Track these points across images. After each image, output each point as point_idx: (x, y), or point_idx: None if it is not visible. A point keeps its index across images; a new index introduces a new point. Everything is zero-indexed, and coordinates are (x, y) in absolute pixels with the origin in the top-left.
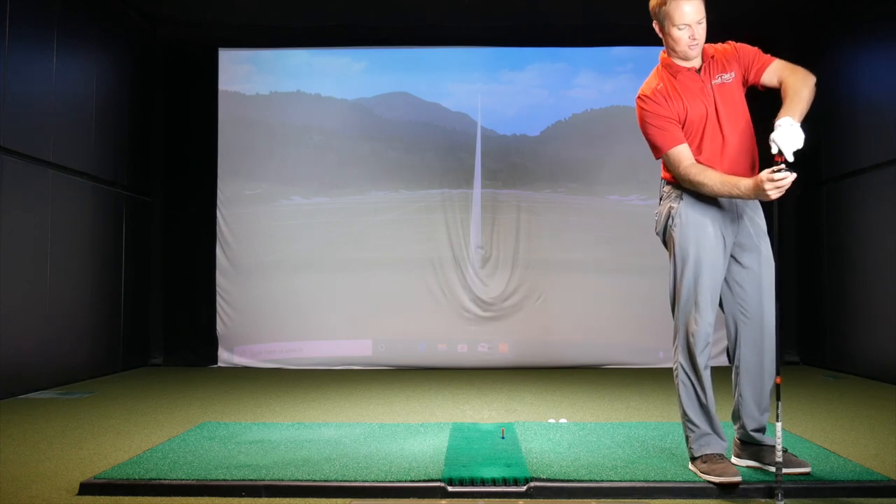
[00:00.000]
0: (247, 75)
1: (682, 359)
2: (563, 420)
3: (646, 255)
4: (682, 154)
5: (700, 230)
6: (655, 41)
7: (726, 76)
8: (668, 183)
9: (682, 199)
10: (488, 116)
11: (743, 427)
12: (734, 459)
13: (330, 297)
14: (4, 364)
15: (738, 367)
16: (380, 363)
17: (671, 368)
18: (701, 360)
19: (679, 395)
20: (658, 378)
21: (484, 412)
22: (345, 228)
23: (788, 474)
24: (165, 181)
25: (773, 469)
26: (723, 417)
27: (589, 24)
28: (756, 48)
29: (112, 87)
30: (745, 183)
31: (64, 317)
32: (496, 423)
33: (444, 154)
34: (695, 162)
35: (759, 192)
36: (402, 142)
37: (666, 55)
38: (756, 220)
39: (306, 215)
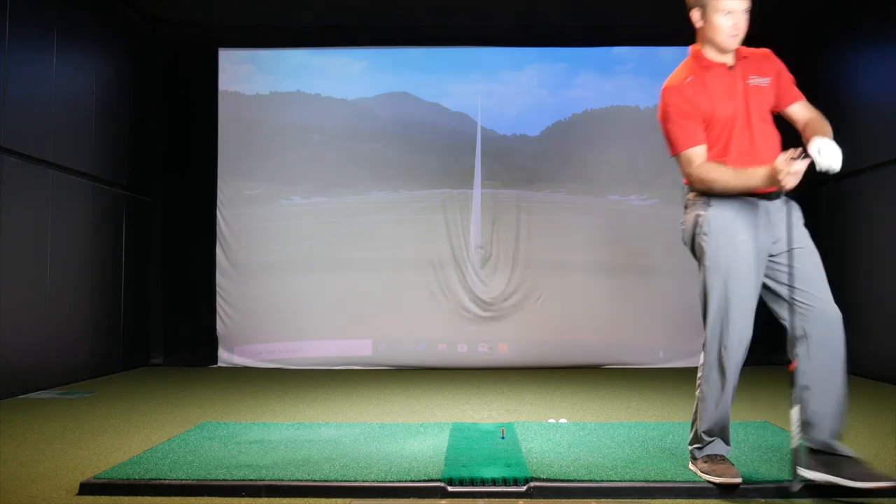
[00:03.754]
0: (247, 75)
1: (710, 367)
2: (563, 420)
3: (646, 254)
4: (696, 154)
5: (731, 237)
6: (655, 41)
7: (763, 80)
8: (693, 189)
9: (709, 205)
10: (488, 116)
11: (814, 436)
12: (805, 472)
13: (330, 297)
14: (4, 364)
15: (804, 371)
16: (380, 363)
17: (671, 368)
18: (730, 372)
19: (699, 401)
20: (658, 378)
21: (484, 412)
22: (345, 228)
23: (869, 489)
24: (165, 181)
25: (852, 484)
26: (741, 417)
27: (589, 24)
28: (792, 77)
29: (112, 87)
30: (761, 172)
31: (64, 317)
32: (496, 423)
33: (444, 154)
34: (706, 161)
35: (774, 181)
36: (402, 142)
37: (699, 48)
38: (793, 213)
39: (306, 215)
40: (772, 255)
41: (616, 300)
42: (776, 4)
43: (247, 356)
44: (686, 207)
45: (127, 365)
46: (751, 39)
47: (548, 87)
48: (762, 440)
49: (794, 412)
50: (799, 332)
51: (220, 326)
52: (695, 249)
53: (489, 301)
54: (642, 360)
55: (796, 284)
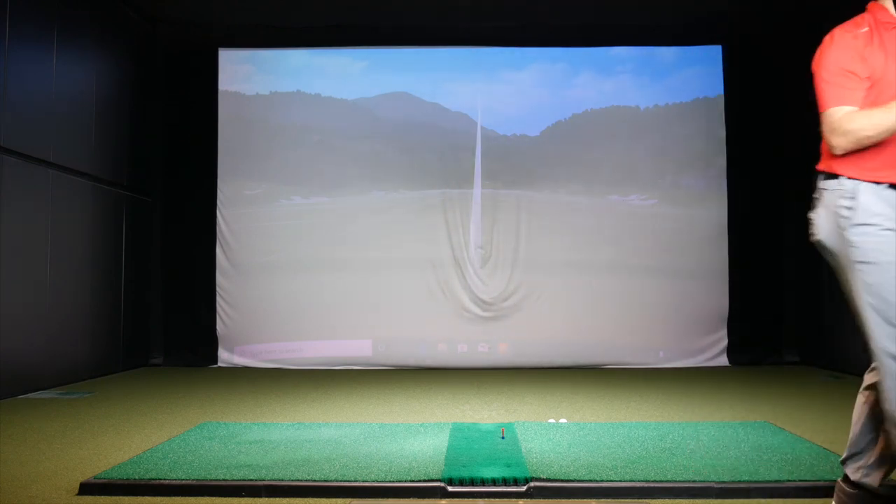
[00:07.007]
0: (247, 75)
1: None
2: (563, 420)
3: (646, 255)
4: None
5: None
6: (656, 41)
7: None
8: (831, 176)
9: (859, 191)
10: (488, 116)
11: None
12: None
13: (330, 297)
14: (4, 364)
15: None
16: (380, 363)
17: (671, 368)
18: None
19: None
20: (658, 378)
21: (484, 412)
22: (345, 228)
23: None
24: (165, 181)
25: None
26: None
27: (589, 24)
28: None
29: (112, 87)
30: None
31: (64, 317)
32: (496, 423)
33: (444, 154)
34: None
35: None
36: (402, 142)
37: (878, 3)
38: None
39: (306, 215)
40: None
41: (616, 300)
42: (777, 4)
43: (247, 356)
44: (821, 198)
45: (127, 365)
46: (756, 39)
47: (548, 87)
48: (762, 440)
49: None
50: None
51: (220, 326)
52: (837, 249)
53: (489, 301)
54: (642, 360)
55: None
